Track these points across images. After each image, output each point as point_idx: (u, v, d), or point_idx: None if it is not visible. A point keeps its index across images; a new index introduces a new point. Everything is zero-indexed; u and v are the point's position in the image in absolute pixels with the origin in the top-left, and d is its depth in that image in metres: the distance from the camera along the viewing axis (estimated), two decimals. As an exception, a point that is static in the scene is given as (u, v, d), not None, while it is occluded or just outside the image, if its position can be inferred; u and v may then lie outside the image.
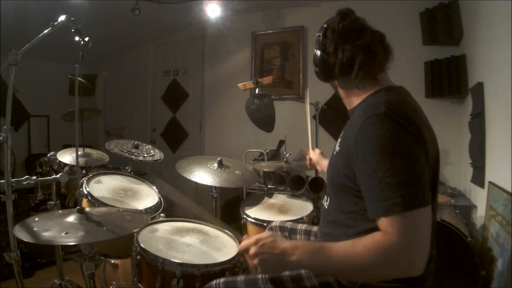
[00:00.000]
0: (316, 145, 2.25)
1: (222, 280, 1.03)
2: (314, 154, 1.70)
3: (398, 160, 0.77)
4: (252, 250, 0.87)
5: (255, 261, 0.86)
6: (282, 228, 1.39)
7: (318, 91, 2.35)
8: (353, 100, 1.02)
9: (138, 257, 1.31)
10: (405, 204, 0.74)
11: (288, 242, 0.86)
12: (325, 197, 1.06)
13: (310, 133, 1.80)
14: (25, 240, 1.06)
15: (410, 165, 0.78)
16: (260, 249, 0.86)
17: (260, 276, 1.02)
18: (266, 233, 0.90)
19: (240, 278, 1.03)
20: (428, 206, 0.77)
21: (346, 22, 0.98)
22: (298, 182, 2.14)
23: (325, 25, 1.02)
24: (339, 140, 1.00)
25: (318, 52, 1.03)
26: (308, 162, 1.72)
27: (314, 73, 1.09)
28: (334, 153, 1.00)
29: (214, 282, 1.03)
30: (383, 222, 0.76)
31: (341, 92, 1.08)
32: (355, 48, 0.94)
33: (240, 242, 1.00)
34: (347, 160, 0.88)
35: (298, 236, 1.32)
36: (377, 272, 0.76)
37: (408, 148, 0.79)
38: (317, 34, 1.05)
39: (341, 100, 1.10)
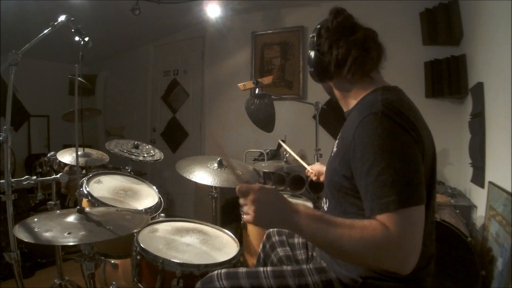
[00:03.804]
0: (316, 145, 2.25)
1: (224, 270, 1.03)
2: (314, 167, 1.60)
3: (394, 159, 0.77)
4: (253, 195, 0.81)
5: (250, 208, 0.81)
6: (279, 232, 1.34)
7: (318, 91, 2.34)
8: (349, 101, 1.02)
9: (138, 257, 1.32)
10: (400, 202, 0.74)
11: (291, 201, 0.84)
12: (324, 199, 1.06)
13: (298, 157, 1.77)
14: (25, 240, 1.06)
15: (406, 163, 0.77)
16: (262, 194, 0.81)
17: (261, 268, 1.02)
18: (269, 186, 0.85)
19: (242, 269, 1.03)
20: (423, 205, 0.77)
21: (340, 19, 0.99)
22: (298, 182, 2.14)
23: (318, 26, 1.03)
24: (337, 141, 1.00)
25: (312, 53, 1.03)
26: (311, 176, 1.61)
27: (313, 73, 1.08)
28: (332, 154, 1.00)
29: (215, 272, 1.02)
30: (379, 220, 0.76)
31: (337, 93, 1.08)
32: (349, 44, 0.94)
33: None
34: (345, 160, 0.88)
35: (296, 240, 1.29)
36: (367, 258, 0.75)
37: (404, 147, 0.79)
38: (310, 36, 1.05)
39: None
